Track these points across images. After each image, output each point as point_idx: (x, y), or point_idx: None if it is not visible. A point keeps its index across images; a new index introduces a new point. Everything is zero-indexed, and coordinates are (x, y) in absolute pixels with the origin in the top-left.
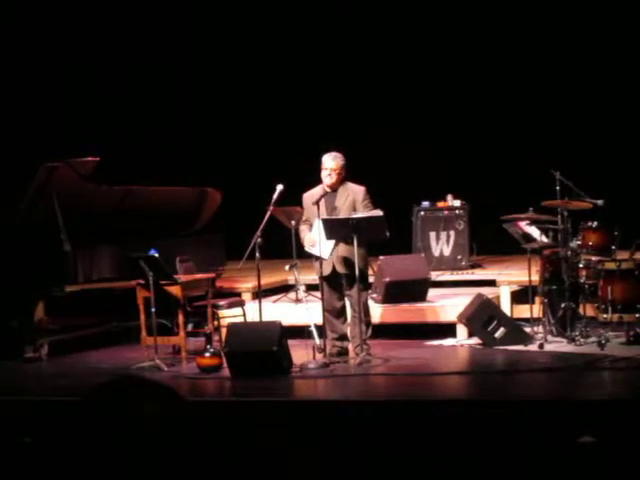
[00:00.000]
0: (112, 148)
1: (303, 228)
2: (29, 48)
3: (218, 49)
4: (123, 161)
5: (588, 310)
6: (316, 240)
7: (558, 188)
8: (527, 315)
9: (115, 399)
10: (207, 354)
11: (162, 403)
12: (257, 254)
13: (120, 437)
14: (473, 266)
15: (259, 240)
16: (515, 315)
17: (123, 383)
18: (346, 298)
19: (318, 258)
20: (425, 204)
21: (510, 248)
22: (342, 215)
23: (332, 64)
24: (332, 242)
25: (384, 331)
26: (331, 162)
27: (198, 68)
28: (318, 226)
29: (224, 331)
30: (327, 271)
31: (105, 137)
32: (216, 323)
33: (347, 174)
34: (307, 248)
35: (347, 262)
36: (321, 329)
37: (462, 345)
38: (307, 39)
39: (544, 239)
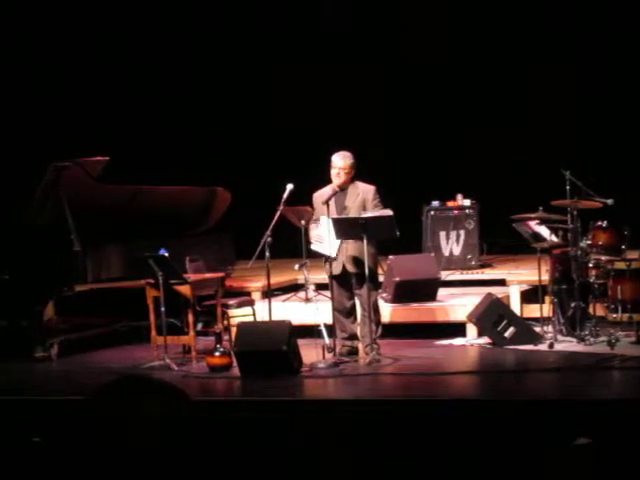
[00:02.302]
0: (122, 148)
1: (313, 226)
2: (35, 46)
3: (227, 48)
4: (132, 161)
5: (598, 310)
6: (323, 236)
7: (568, 187)
8: (537, 315)
9: (121, 398)
10: (217, 353)
11: (168, 402)
12: (267, 253)
13: (126, 435)
14: (483, 266)
15: (269, 239)
16: (525, 315)
17: (128, 383)
18: (356, 297)
19: (327, 259)
20: (435, 203)
21: (520, 248)
22: (352, 214)
23: (339, 63)
24: (338, 240)
25: (394, 330)
26: (340, 161)
27: (205, 67)
28: (326, 223)
29: (234, 330)
30: (337, 270)
31: (114, 136)
32: (226, 322)
33: (357, 173)
34: (313, 245)
35: (357, 261)
36: (331, 328)
37: (472, 345)
38: (313, 38)
39: (554, 238)
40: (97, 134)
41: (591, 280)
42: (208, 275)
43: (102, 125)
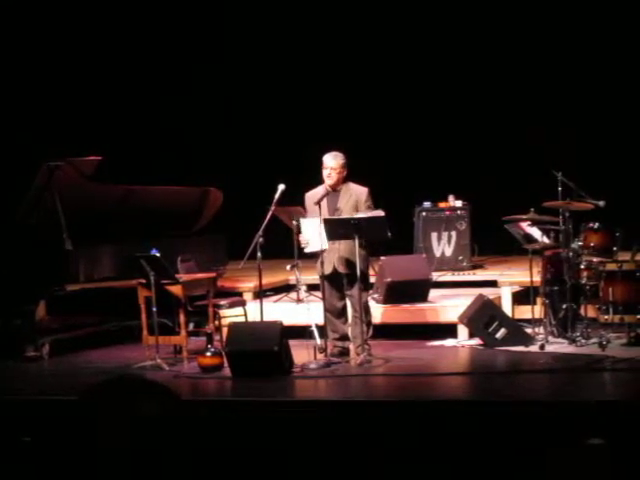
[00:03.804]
0: (114, 147)
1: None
2: (30, 45)
3: (220, 49)
4: (125, 160)
5: (589, 311)
6: (308, 239)
7: (560, 189)
8: (528, 316)
9: (112, 398)
10: (208, 354)
11: (158, 402)
12: (258, 254)
13: (117, 435)
14: (474, 267)
15: (260, 240)
16: (516, 316)
17: (120, 382)
18: (347, 298)
19: (320, 258)
20: (427, 204)
21: (511, 249)
22: (344, 216)
23: (333, 63)
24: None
25: (385, 331)
26: (331, 161)
27: (199, 67)
28: (307, 223)
29: (225, 331)
30: (328, 270)
31: (107, 136)
32: (217, 323)
33: (349, 174)
34: (306, 250)
35: (348, 262)
36: (322, 329)
37: (463, 346)
38: (308, 39)
39: (545, 240)
40: (90, 134)
41: (582, 281)
42: (200, 275)
43: (95, 125)
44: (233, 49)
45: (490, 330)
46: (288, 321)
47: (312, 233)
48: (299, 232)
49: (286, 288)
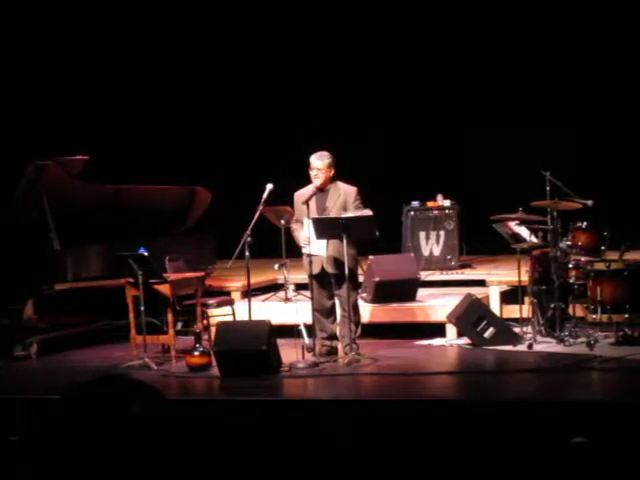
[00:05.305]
0: (103, 147)
1: (296, 227)
2: (21, 43)
3: (212, 49)
4: (113, 159)
5: (577, 310)
6: (309, 238)
7: (548, 188)
8: (516, 315)
9: (98, 398)
10: (196, 353)
11: (144, 402)
12: (247, 253)
13: (103, 435)
14: (463, 266)
15: (249, 239)
16: (504, 315)
17: (106, 382)
18: (335, 297)
19: (309, 256)
20: (415, 204)
21: (500, 248)
22: (332, 215)
23: (324, 63)
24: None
25: (373, 331)
26: (318, 162)
27: (192, 67)
28: (309, 224)
29: (213, 330)
30: (316, 270)
31: (96, 135)
32: (205, 322)
33: (337, 173)
34: (304, 250)
35: (337, 262)
36: (310, 328)
37: (451, 345)
38: (298, 38)
39: (534, 239)
40: (77, 133)
41: (571, 281)
42: (188, 274)
43: (82, 124)
44: (225, 48)
45: (478, 329)
46: (276, 320)
47: (312, 235)
48: (289, 222)
49: (274, 287)
